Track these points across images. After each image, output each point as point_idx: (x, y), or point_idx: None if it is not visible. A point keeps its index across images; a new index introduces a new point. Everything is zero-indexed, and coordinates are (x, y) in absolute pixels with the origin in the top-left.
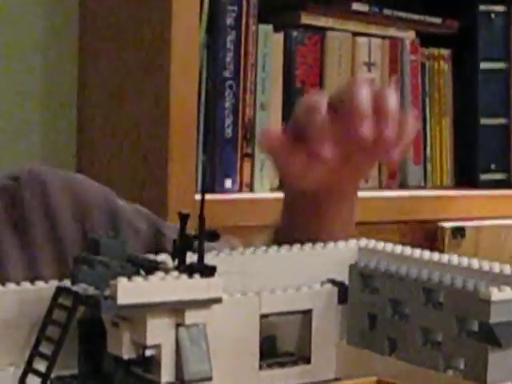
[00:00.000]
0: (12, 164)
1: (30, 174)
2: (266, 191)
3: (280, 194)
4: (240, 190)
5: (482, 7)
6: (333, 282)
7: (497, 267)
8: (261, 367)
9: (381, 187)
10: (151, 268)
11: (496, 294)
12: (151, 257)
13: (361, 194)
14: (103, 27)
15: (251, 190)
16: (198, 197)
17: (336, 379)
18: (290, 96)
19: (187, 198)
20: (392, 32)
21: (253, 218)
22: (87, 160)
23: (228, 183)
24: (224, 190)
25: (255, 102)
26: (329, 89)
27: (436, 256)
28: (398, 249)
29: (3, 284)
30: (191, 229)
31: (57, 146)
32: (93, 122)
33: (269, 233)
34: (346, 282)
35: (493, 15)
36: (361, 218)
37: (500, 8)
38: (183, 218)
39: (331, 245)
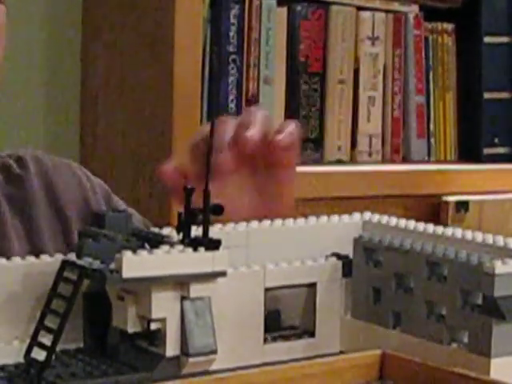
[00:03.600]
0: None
1: (33, 155)
2: None
3: None
4: None
5: None
6: (337, 255)
7: (501, 241)
8: (265, 340)
9: (384, 161)
10: (156, 242)
11: (500, 267)
12: (156, 230)
13: (364, 167)
14: (106, 2)
15: None
16: None
17: (340, 352)
18: (293, 70)
19: None
20: (395, 6)
21: None
22: (91, 139)
23: None
24: None
25: (259, 77)
26: (332, 63)
27: (440, 230)
28: (402, 222)
29: (8, 258)
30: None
31: (60, 125)
32: (96, 98)
33: None
34: (351, 256)
35: None
36: (365, 191)
37: None
38: (188, 193)
39: (336, 218)
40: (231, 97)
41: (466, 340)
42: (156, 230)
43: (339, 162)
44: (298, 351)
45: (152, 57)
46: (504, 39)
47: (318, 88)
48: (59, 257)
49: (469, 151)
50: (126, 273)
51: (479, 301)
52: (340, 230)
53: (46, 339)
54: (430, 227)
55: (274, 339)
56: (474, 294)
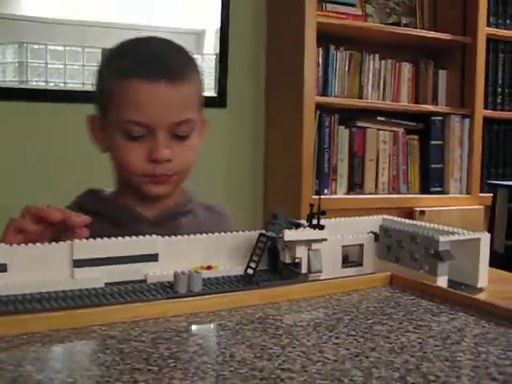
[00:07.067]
0: None
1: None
2: (341, 194)
3: (348, 196)
4: (330, 194)
5: (433, 117)
6: (372, 232)
7: (443, 227)
8: (342, 267)
9: (390, 192)
10: (298, 225)
11: (442, 238)
12: (298, 220)
13: (384, 196)
14: (281, 98)
15: (335, 193)
16: (314, 196)
17: (373, 273)
18: (353, 157)
19: (309, 197)
20: (394, 128)
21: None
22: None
23: (326, 191)
24: (325, 194)
25: (337, 159)
26: (369, 153)
27: (415, 222)
28: (399, 219)
29: (231, 232)
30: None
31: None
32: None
33: None
34: (378, 232)
35: (437, 121)
36: (381, 205)
37: (439, 117)
38: (311, 206)
39: (372, 217)
40: (326, 165)
41: (427, 269)
42: (298, 220)
43: None
44: (355, 272)
45: (293, 132)
46: (440, 142)
47: (361, 164)
48: (259, 231)
49: (424, 189)
50: (286, 238)
51: (432, 252)
52: (373, 222)
53: (253, 264)
54: (411, 221)
55: (346, 266)
56: (430, 250)
